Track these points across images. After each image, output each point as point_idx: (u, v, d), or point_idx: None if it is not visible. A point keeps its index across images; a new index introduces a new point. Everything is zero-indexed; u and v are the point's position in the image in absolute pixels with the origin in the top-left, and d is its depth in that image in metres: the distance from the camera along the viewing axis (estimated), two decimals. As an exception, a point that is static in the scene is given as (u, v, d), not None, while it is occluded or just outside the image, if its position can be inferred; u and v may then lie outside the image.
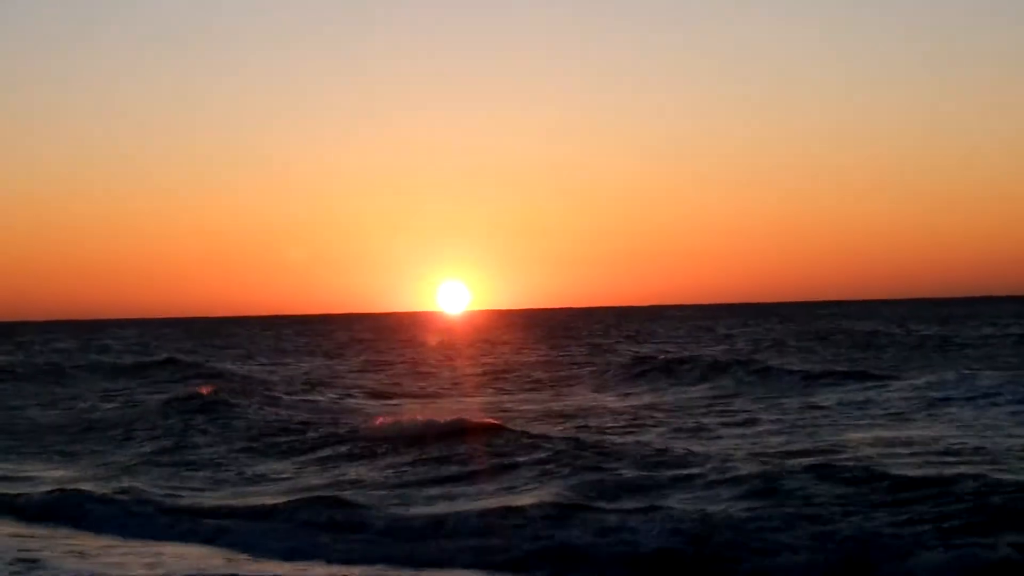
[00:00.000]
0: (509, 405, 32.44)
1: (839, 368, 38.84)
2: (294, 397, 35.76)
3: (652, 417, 27.42)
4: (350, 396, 37.38)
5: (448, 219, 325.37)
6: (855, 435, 22.09)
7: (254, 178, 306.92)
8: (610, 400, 33.23)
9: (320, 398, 36.27)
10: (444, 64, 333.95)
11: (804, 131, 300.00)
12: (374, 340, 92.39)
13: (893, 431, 22.50)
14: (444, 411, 28.15)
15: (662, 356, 47.92)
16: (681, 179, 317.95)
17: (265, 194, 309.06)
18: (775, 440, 21.93)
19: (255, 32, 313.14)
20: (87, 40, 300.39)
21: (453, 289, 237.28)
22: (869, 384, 32.03)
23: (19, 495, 18.14)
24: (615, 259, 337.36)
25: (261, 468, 21.16)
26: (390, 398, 36.73)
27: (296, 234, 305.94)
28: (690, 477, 16.71)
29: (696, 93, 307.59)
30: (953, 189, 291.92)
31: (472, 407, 31.56)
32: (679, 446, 20.38)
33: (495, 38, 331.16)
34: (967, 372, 31.88)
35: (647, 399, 33.09)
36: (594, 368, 47.40)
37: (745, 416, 26.69)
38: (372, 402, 34.82)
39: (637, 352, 57.94)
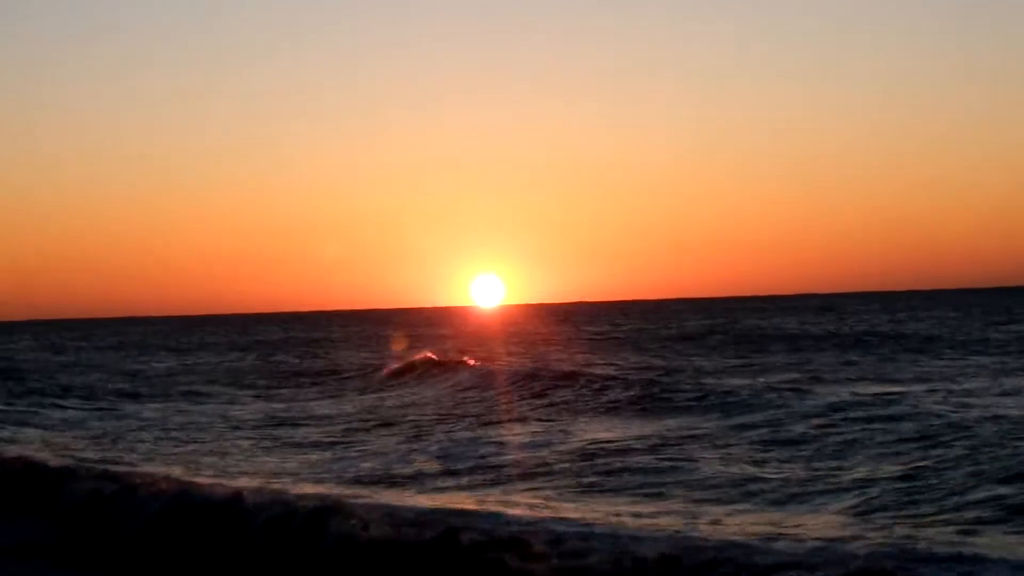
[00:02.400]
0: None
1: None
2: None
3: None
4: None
5: (482, 213, 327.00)
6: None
7: (286, 175, 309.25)
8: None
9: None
10: (479, 58, 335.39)
11: (840, 124, 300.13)
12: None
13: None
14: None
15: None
16: (718, 171, 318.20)
17: (297, 191, 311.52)
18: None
19: (288, 23, 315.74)
20: (103, 36, 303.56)
21: (487, 283, 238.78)
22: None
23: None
24: (654, 252, 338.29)
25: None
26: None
27: (329, 231, 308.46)
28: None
29: (731, 85, 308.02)
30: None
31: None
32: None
33: (529, 32, 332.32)
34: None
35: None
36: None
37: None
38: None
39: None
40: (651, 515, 14.59)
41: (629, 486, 17.23)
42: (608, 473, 18.44)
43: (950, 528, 12.90)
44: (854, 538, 12.30)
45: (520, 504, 15.86)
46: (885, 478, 16.37)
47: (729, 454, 19.82)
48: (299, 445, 25.09)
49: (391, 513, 13.61)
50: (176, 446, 25.51)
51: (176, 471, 19.79)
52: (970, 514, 13.57)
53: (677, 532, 13.06)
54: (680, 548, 11.25)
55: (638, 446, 21.23)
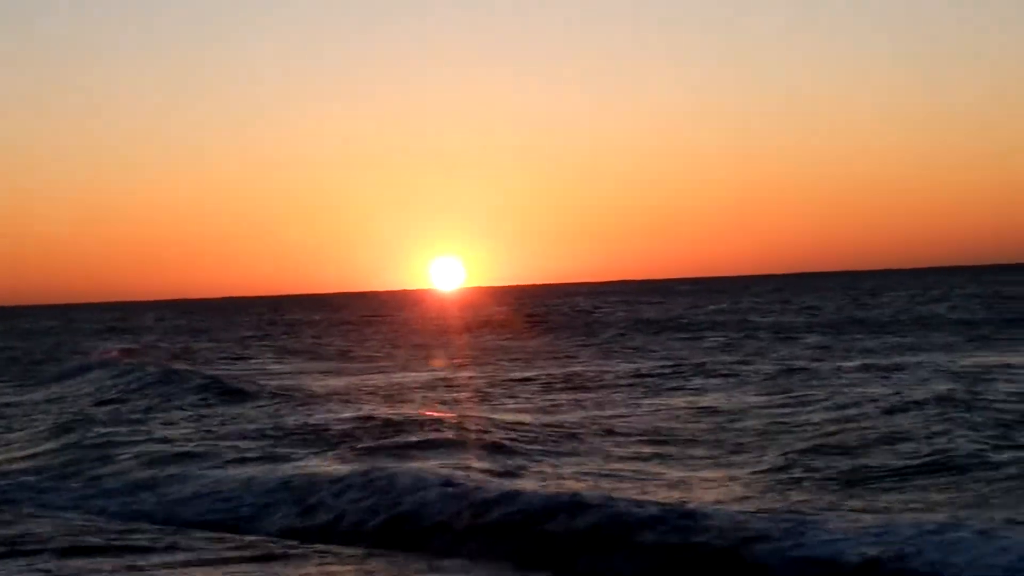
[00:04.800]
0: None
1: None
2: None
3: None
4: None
5: (443, 195, 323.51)
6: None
7: (242, 158, 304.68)
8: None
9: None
10: (436, 39, 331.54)
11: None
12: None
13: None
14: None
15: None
16: (678, 154, 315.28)
17: (254, 173, 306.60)
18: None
19: (250, 10, 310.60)
20: (90, 26, 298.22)
21: (446, 266, 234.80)
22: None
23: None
24: (620, 234, 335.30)
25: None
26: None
27: (288, 214, 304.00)
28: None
29: (689, 70, 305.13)
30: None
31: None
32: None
33: (488, 13, 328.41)
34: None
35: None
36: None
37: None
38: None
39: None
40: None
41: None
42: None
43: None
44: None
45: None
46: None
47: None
48: None
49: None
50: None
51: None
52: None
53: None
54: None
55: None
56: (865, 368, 27.44)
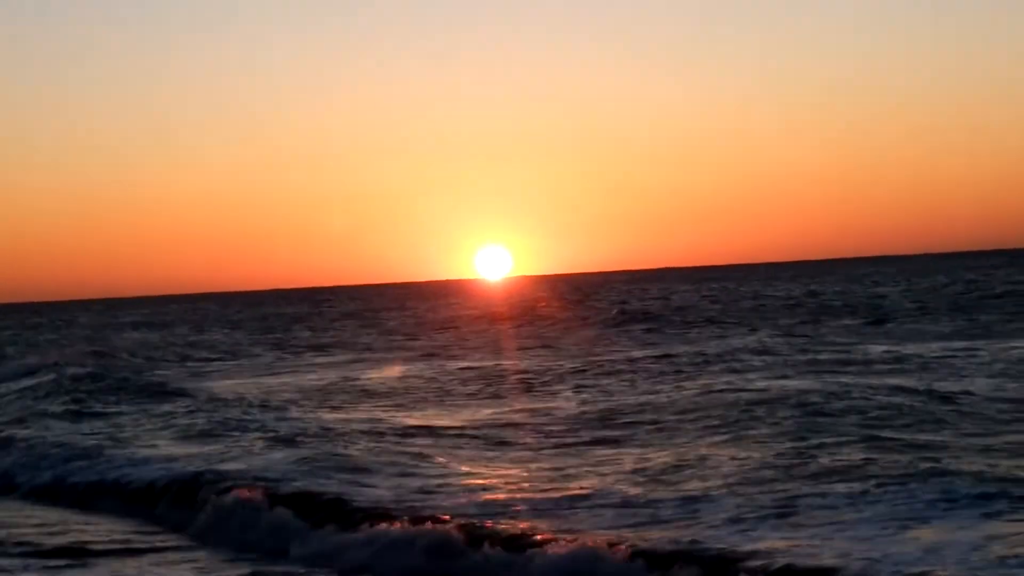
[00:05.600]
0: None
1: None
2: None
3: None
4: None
5: (489, 183, 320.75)
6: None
7: (287, 148, 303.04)
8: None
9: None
10: (486, 26, 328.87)
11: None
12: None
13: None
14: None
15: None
16: (726, 138, 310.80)
17: (299, 164, 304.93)
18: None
19: None
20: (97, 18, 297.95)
21: (493, 255, 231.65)
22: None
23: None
24: (670, 220, 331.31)
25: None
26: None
27: (332, 204, 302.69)
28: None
29: (736, 54, 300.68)
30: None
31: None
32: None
33: (532, 5, 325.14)
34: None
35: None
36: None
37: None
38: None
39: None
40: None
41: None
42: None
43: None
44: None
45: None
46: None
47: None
48: None
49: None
50: None
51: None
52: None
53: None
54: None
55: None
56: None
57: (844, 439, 15.98)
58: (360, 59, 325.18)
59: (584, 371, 29.84)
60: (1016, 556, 9.79)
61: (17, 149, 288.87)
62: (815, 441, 16.04)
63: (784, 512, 12.12)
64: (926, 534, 10.74)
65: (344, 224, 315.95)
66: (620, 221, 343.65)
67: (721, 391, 22.73)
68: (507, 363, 34.17)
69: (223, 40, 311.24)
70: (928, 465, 13.57)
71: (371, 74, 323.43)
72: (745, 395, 21.55)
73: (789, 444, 15.96)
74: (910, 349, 30.92)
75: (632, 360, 31.72)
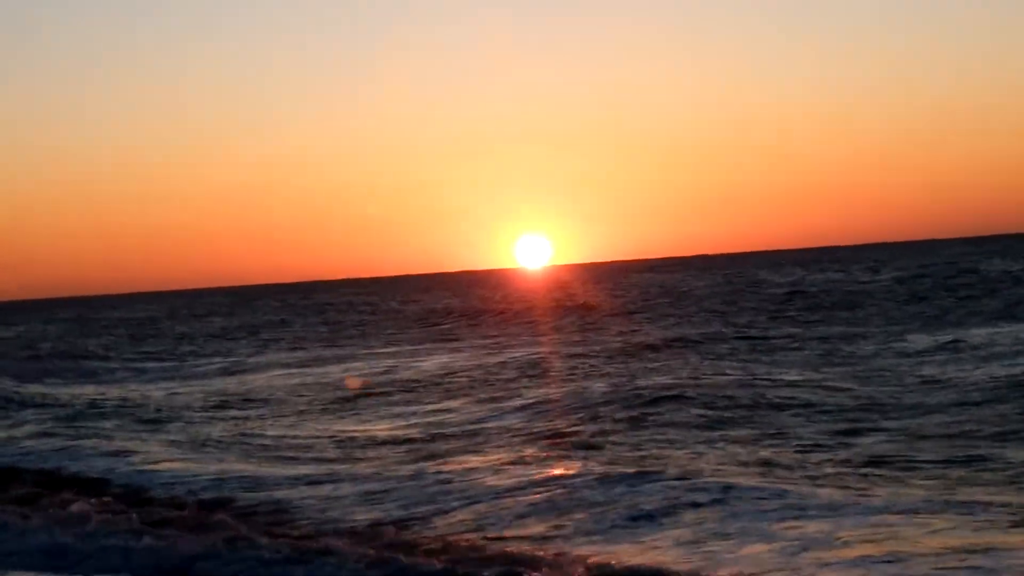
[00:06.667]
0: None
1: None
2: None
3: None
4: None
5: (529, 171, 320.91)
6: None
7: (327, 136, 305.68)
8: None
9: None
10: (528, 15, 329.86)
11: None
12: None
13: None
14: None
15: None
16: (763, 127, 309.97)
17: (341, 156, 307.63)
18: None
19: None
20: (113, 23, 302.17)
21: (532, 243, 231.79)
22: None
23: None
24: (706, 206, 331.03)
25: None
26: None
27: (371, 192, 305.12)
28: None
29: (774, 41, 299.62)
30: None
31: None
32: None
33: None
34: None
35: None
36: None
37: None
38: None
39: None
40: None
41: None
42: None
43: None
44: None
45: None
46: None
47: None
48: None
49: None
50: None
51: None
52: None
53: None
54: None
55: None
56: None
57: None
58: (396, 49, 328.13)
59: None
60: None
61: (28, 145, 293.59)
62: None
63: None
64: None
65: (381, 215, 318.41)
66: (661, 209, 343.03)
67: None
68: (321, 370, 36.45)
69: (261, 32, 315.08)
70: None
71: (407, 64, 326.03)
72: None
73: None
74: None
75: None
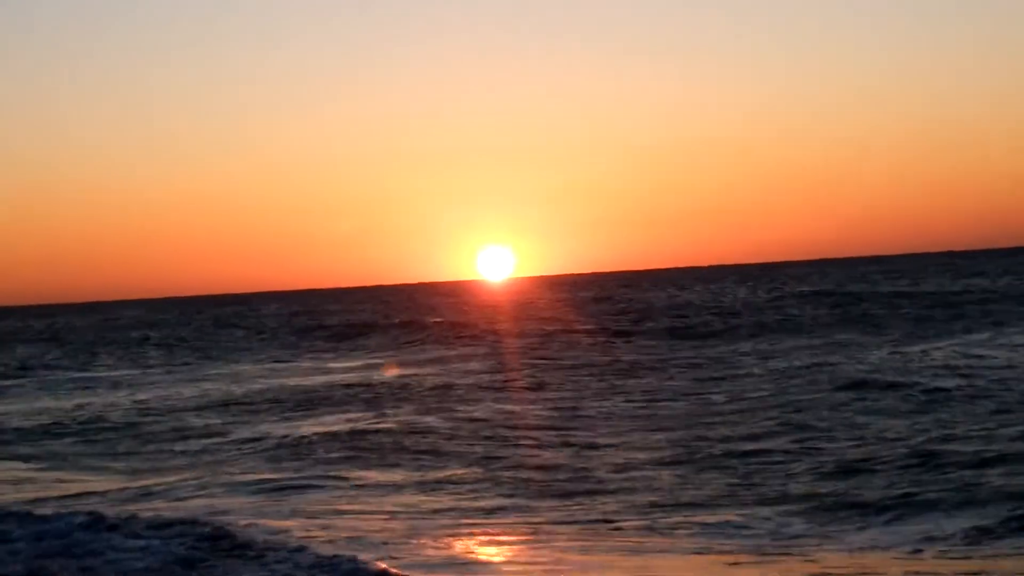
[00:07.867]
0: None
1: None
2: None
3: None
4: None
5: (491, 183, 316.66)
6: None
7: (289, 151, 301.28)
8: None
9: None
10: (488, 24, 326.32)
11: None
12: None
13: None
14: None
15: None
16: (729, 140, 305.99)
17: (300, 166, 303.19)
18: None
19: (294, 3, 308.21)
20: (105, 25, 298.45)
21: (495, 255, 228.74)
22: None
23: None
24: (669, 221, 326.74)
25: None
26: None
27: (335, 206, 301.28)
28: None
29: (741, 53, 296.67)
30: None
31: None
32: None
33: (535, 5, 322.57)
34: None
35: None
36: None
37: None
38: None
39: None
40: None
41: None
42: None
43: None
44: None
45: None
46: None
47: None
48: None
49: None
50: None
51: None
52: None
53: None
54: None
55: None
56: None
57: None
58: (360, 62, 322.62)
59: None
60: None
61: (17, 150, 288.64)
62: None
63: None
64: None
65: (346, 227, 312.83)
66: (623, 223, 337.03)
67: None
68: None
69: (226, 43, 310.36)
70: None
71: (372, 77, 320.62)
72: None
73: None
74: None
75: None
